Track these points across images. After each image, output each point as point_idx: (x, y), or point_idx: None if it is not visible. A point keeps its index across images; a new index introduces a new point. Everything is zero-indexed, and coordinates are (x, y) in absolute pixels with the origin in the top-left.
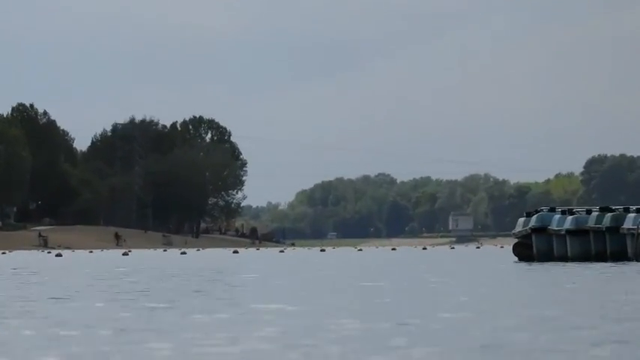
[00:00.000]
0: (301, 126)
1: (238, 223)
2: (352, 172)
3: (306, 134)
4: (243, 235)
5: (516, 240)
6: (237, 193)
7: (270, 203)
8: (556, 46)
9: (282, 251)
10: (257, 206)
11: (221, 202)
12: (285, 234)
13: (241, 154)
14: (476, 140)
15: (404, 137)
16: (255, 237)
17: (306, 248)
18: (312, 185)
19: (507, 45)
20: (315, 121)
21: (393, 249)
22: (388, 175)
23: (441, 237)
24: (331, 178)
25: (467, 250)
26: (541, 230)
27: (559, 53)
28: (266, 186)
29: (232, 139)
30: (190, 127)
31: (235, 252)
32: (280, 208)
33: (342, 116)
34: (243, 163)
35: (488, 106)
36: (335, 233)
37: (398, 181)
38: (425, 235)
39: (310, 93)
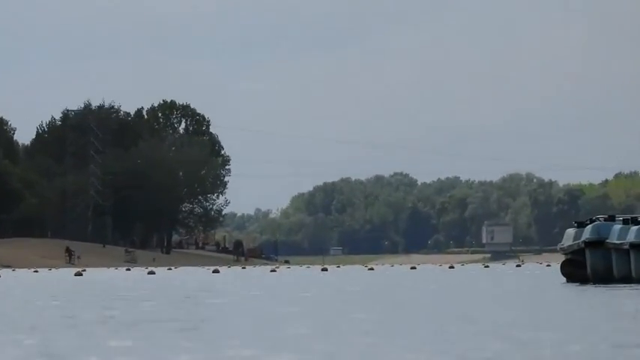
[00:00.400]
0: (298, 115)
1: (219, 235)
2: (361, 172)
3: (303, 125)
4: (225, 250)
5: (565, 257)
6: (217, 197)
7: (258, 210)
8: (608, 21)
9: (273, 270)
10: (243, 214)
11: (198, 209)
12: (277, 249)
13: (223, 148)
14: (515, 132)
15: (426, 128)
16: (241, 252)
17: (304, 267)
18: (310, 188)
19: (552, 20)
20: (315, 109)
21: (413, 268)
22: (406, 175)
23: (473, 253)
24: (335, 178)
25: (504, 269)
26: (597, 244)
27: (614, 29)
28: (254, 189)
29: (212, 129)
30: (160, 114)
31: (215, 271)
32: (272, 216)
33: (347, 103)
34: (226, 160)
35: (530, 91)
36: (340, 248)
37: (419, 183)
38: (453, 250)
39: (308, 74)
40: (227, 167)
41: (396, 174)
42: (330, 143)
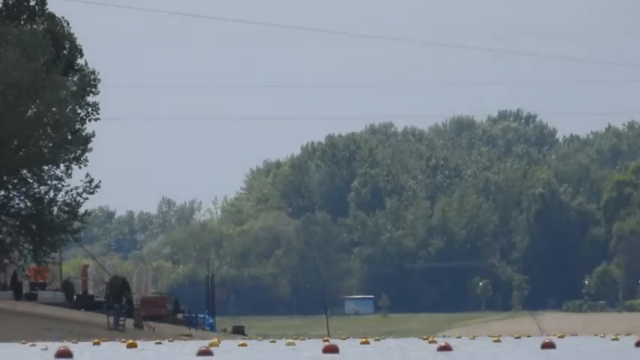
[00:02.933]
0: None
1: (73, 264)
2: (410, 109)
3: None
4: (86, 302)
5: None
6: (69, 172)
7: (170, 204)
8: None
9: (204, 354)
10: (131, 214)
11: (20, 202)
12: (213, 299)
13: (81, 53)
14: None
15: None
16: (125, 308)
17: (280, 342)
18: (296, 149)
19: None
20: None
21: (546, 345)
22: (527, 116)
23: None
24: (352, 126)
25: None
26: None
27: None
28: (157, 151)
29: (52, 6)
30: None
31: (64, 355)
32: (200, 217)
33: None
34: (88, 81)
35: None
36: (370, 297)
37: (559, 137)
38: None
39: None
40: (90, 101)
41: (502, 115)
42: (337, 38)
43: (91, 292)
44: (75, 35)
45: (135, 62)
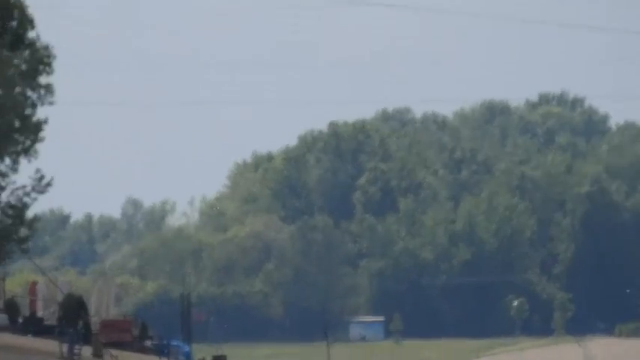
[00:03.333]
0: None
1: (19, 280)
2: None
3: None
4: (32, 325)
5: None
6: (14, 166)
7: (136, 205)
8: None
9: None
10: (89, 217)
11: None
12: (190, 322)
13: (32, 25)
14: None
15: None
16: (81, 333)
17: None
18: (291, 138)
19: None
20: None
21: None
22: (573, 100)
23: None
24: (358, 112)
25: None
26: None
27: None
28: (119, 143)
29: None
30: None
31: None
32: (174, 221)
33: None
34: (39, 59)
35: None
36: (379, 319)
37: (610, 126)
38: None
39: None
40: (43, 81)
41: (543, 98)
42: (342, 6)
43: (40, 313)
44: (26, 3)
45: (96, 37)
